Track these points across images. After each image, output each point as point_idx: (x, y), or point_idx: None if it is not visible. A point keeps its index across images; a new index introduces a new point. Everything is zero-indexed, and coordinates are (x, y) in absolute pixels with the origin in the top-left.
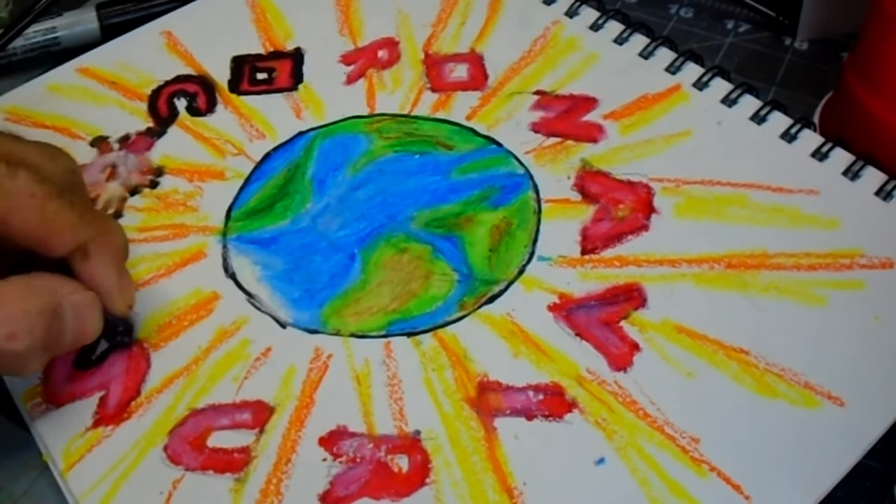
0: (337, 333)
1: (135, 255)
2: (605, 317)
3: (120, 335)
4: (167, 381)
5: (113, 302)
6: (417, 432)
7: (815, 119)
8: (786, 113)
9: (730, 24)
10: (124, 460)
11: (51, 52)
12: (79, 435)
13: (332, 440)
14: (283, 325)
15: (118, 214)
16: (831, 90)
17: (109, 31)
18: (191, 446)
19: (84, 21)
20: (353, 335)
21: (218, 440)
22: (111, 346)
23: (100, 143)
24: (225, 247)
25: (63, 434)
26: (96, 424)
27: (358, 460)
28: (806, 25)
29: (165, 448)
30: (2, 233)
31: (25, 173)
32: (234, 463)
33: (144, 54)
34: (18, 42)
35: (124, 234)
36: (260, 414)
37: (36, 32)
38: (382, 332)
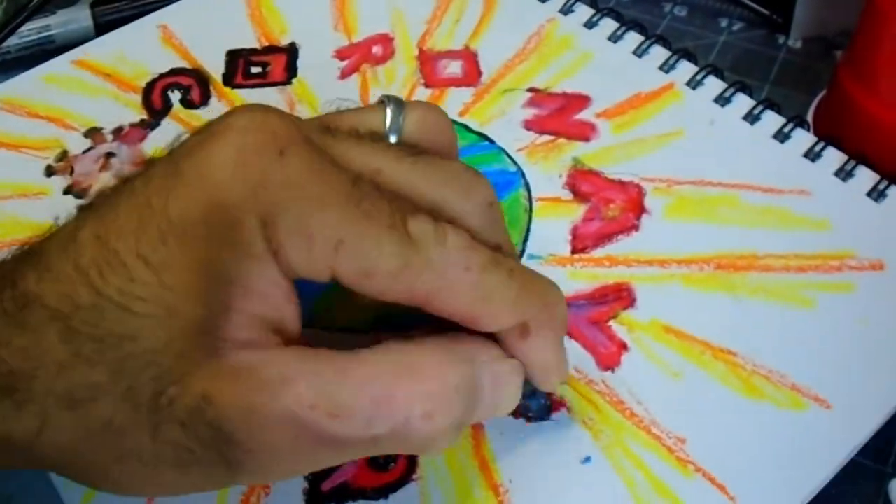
0: (327, 328)
1: None
2: (593, 316)
3: (534, 411)
4: None
5: (547, 379)
6: None
7: (809, 118)
8: (779, 112)
9: (723, 23)
10: None
11: (45, 50)
12: None
13: None
14: None
15: None
16: (825, 89)
17: (103, 29)
18: None
19: (78, 19)
20: (342, 330)
21: None
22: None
23: (93, 133)
24: None
25: None
26: None
27: None
28: (800, 24)
29: None
30: (420, 307)
31: (455, 236)
32: None
33: (140, 47)
34: (13, 40)
35: (565, 302)
36: None
37: (30, 31)
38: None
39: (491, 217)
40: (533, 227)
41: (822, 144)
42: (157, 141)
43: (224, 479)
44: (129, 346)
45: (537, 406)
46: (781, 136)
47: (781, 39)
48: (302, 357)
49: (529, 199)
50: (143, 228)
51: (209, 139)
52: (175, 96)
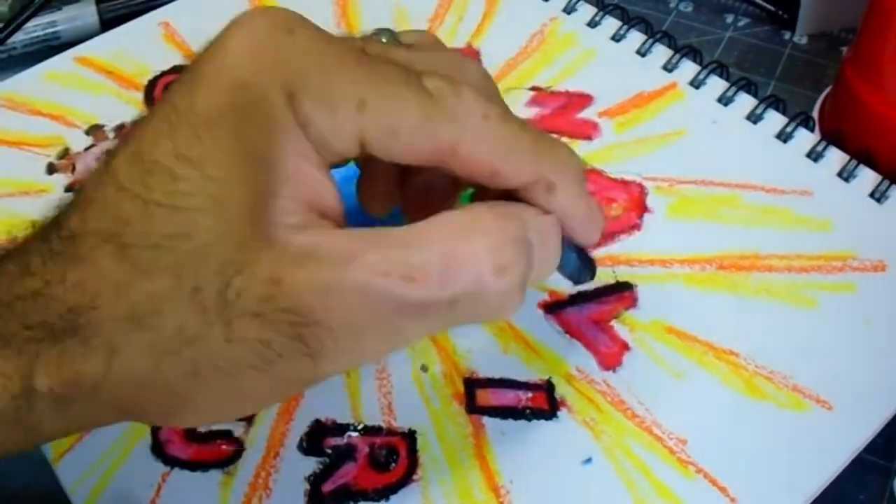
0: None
1: None
2: (595, 316)
3: (581, 271)
4: None
5: (586, 230)
6: (405, 427)
7: (814, 114)
8: (784, 107)
9: (729, 19)
10: (114, 451)
11: (51, 46)
12: None
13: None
14: None
15: None
16: (830, 85)
17: (109, 25)
18: (180, 438)
19: (84, 15)
20: None
21: (207, 432)
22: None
23: (95, 131)
24: None
25: None
26: None
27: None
28: (805, 20)
29: (154, 439)
30: (444, 164)
31: (469, 89)
32: (223, 456)
33: (142, 45)
34: (18, 36)
35: (575, 154)
36: None
37: (36, 27)
38: None
39: (491, 85)
40: None
41: (824, 144)
42: None
43: (308, 373)
44: (184, 245)
45: (570, 267)
46: (784, 136)
47: (787, 35)
48: (359, 234)
49: None
50: (175, 130)
51: (220, 39)
52: None
